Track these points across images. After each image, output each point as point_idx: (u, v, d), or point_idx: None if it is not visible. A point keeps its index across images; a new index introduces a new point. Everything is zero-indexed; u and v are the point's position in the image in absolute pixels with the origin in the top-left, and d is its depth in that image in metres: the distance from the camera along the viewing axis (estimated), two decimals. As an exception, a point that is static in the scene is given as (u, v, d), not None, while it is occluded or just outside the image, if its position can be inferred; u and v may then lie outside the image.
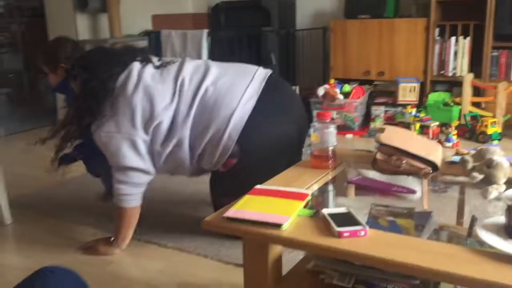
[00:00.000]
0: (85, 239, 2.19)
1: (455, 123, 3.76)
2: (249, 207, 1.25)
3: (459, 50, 3.96)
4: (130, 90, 1.94)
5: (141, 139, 1.94)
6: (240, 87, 1.99)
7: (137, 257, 2.05)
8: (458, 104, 3.84)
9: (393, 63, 4.22)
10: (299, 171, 1.58)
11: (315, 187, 1.47)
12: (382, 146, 1.50)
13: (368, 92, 4.24)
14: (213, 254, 2.03)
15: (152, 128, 1.94)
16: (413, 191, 1.45)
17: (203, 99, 1.96)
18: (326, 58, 4.66)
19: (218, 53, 4.43)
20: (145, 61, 2.05)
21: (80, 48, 2.29)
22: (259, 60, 4.39)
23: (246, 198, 1.31)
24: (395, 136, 1.52)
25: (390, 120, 4.03)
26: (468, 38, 3.91)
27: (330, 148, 1.56)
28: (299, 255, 1.45)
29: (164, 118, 1.93)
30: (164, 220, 2.35)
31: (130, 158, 1.95)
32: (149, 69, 2.01)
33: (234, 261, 1.96)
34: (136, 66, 2.00)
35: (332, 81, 4.27)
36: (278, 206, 1.25)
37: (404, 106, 3.95)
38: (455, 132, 3.53)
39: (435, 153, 1.49)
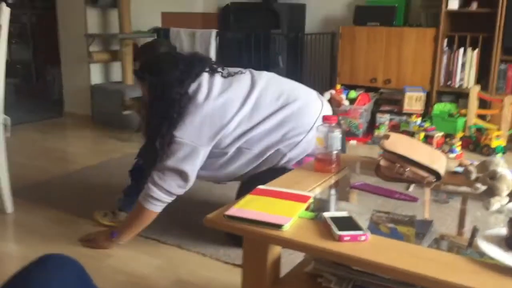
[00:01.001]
0: (85, 232, 2.20)
1: (459, 134, 3.75)
2: (250, 206, 1.25)
3: (467, 61, 3.95)
4: (200, 100, 1.95)
5: (203, 149, 1.95)
6: (311, 116, 2.03)
7: (136, 252, 2.06)
8: (464, 115, 3.83)
9: (400, 71, 4.22)
10: (302, 173, 1.58)
11: (318, 190, 1.48)
12: (386, 153, 1.50)
13: (374, 99, 4.24)
14: (212, 253, 2.04)
15: (221, 135, 1.96)
16: (415, 199, 1.45)
17: (277, 115, 2.00)
18: (333, 63, 4.66)
19: (226, 54, 4.44)
20: (212, 70, 2.06)
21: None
22: (267, 62, 4.40)
23: (248, 197, 1.31)
24: (399, 143, 1.52)
25: (395, 129, 4.02)
26: (476, 50, 3.90)
27: (334, 152, 1.56)
28: (298, 257, 1.45)
29: (233, 124, 1.96)
30: (165, 216, 2.34)
31: (181, 162, 1.93)
32: (218, 79, 2.04)
33: (233, 261, 1.97)
34: (205, 76, 2.02)
35: (338, 86, 4.27)
36: (280, 207, 1.25)
37: (409, 115, 3.95)
38: (459, 143, 3.53)
39: (439, 162, 1.49)
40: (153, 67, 2.06)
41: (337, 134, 1.56)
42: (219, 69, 2.10)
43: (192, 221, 2.33)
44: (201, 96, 1.96)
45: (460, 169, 1.61)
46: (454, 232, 1.68)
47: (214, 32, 4.07)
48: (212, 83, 2.01)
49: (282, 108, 2.01)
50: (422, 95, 3.99)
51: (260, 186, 1.39)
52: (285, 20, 4.73)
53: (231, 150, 2.01)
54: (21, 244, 2.16)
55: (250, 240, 1.24)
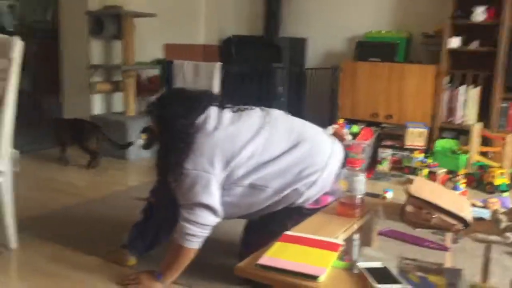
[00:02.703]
0: (94, 270, 2.14)
1: (462, 171, 3.76)
2: (282, 255, 1.22)
3: (468, 99, 4.00)
4: (210, 129, 1.94)
5: (216, 177, 1.91)
6: (323, 155, 2.00)
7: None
8: (466, 152, 3.85)
9: (402, 107, 4.26)
10: (325, 218, 1.56)
11: (343, 236, 1.45)
12: (412, 199, 1.49)
13: (376, 135, 4.26)
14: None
15: (234, 164, 1.92)
16: (445, 248, 1.44)
17: (290, 154, 1.96)
18: (334, 97, 4.69)
19: (228, 86, 4.45)
20: (221, 106, 2.06)
21: None
22: (268, 95, 4.41)
23: (278, 245, 1.29)
24: (425, 189, 1.51)
25: (397, 164, 4.03)
26: (478, 88, 3.95)
27: (358, 197, 1.55)
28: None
29: (245, 153, 1.92)
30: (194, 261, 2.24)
31: (202, 195, 1.89)
32: (227, 113, 2.03)
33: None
34: (214, 109, 2.01)
35: (341, 121, 4.29)
36: (312, 256, 1.23)
37: (411, 150, 3.96)
38: (464, 180, 3.53)
39: (466, 209, 1.48)
40: (161, 101, 2.07)
41: (361, 178, 1.55)
42: (229, 105, 2.10)
43: (201, 258, 2.27)
44: (210, 126, 1.95)
45: (479, 212, 1.60)
46: (476, 279, 1.65)
47: (218, 64, 4.08)
48: (221, 116, 2.00)
49: (295, 147, 1.99)
50: (424, 131, 4.01)
51: (287, 232, 1.37)
52: (287, 53, 4.78)
53: (245, 183, 1.95)
54: (23, 283, 2.09)
55: (283, 290, 1.21)
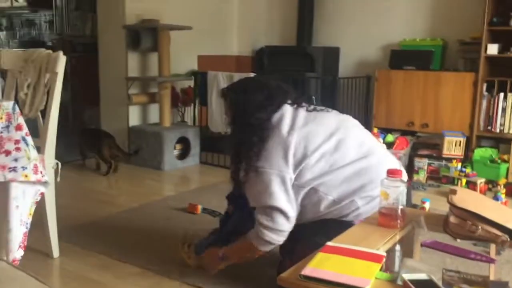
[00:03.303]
0: (130, 279, 2.18)
1: (502, 181, 3.67)
2: (325, 266, 1.22)
3: (508, 106, 3.90)
4: (285, 130, 1.93)
5: (290, 176, 1.89)
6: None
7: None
8: (506, 161, 3.76)
9: (438, 115, 4.19)
10: (366, 229, 1.55)
11: (385, 247, 1.44)
12: (456, 209, 1.47)
13: (411, 144, 4.20)
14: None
15: (303, 165, 1.90)
16: (492, 260, 1.41)
17: (358, 163, 1.94)
18: (367, 106, 4.66)
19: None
20: (297, 104, 2.05)
21: None
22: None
23: (321, 256, 1.29)
24: (469, 199, 1.49)
25: (434, 174, 3.96)
26: (517, 95, 3.86)
27: (400, 207, 1.53)
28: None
29: (316, 155, 1.90)
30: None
31: (278, 196, 1.88)
32: (302, 112, 2.02)
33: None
34: (289, 108, 2.01)
35: (375, 130, 4.25)
36: (355, 267, 1.22)
37: (449, 160, 3.89)
38: (504, 190, 3.44)
39: (511, 219, 1.45)
40: (239, 85, 2.10)
41: (403, 188, 1.54)
42: (304, 104, 2.09)
43: (237, 267, 2.28)
44: (285, 127, 1.94)
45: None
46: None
47: (251, 75, 4.11)
48: (296, 115, 1.99)
49: (364, 158, 1.96)
50: (462, 139, 3.93)
51: (329, 243, 1.37)
52: (320, 63, 4.77)
53: (308, 188, 1.92)
54: (68, 292, 2.15)
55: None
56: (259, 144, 1.90)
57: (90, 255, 2.47)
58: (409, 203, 1.75)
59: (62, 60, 2.37)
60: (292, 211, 1.91)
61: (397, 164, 2.04)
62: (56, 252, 2.46)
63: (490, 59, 3.99)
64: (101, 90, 4.61)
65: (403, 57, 4.38)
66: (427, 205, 3.14)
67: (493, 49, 3.91)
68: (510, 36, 3.90)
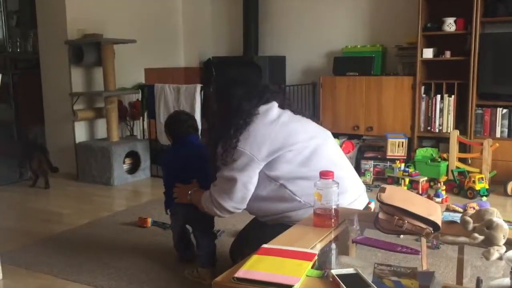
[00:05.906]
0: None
1: (443, 178, 3.83)
2: (258, 267, 1.26)
3: (445, 107, 4.09)
4: (269, 119, 2.00)
5: (258, 164, 1.95)
6: (353, 194, 2.08)
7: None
8: (445, 159, 3.93)
9: (381, 118, 4.34)
10: (302, 229, 1.60)
11: (319, 246, 1.49)
12: (384, 206, 1.54)
13: (357, 147, 4.33)
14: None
15: (278, 155, 1.95)
16: (417, 252, 1.48)
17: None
18: (315, 112, 4.77)
19: (209, 107, 4.51)
20: (283, 106, 2.12)
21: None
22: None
23: (255, 258, 1.32)
24: (396, 196, 1.56)
25: (380, 175, 4.09)
26: (453, 96, 4.05)
27: (333, 207, 1.59)
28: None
29: (293, 150, 1.96)
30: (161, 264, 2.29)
31: (238, 171, 1.94)
32: (288, 112, 2.10)
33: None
34: (276, 106, 2.08)
35: (322, 135, 4.35)
36: (287, 266, 1.27)
37: (393, 161, 4.03)
38: (444, 187, 3.60)
39: (436, 213, 1.53)
40: (226, 78, 2.17)
41: (335, 189, 1.60)
42: (289, 107, 2.16)
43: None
44: (270, 117, 2.01)
45: (448, 215, 1.65)
46: (452, 281, 1.70)
47: (198, 86, 4.14)
48: (283, 113, 2.07)
49: (337, 170, 1.98)
50: (404, 141, 4.09)
51: (265, 245, 1.41)
52: (266, 72, 4.86)
53: (278, 183, 1.97)
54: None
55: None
56: (243, 125, 1.98)
57: (35, 276, 2.41)
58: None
59: (-4, 77, 2.33)
60: (245, 194, 1.97)
61: (364, 192, 2.18)
62: (-1, 274, 2.39)
63: (426, 62, 4.18)
64: (45, 107, 4.52)
65: (346, 64, 4.53)
66: (372, 205, 3.24)
67: (428, 53, 4.10)
68: (444, 41, 4.11)
